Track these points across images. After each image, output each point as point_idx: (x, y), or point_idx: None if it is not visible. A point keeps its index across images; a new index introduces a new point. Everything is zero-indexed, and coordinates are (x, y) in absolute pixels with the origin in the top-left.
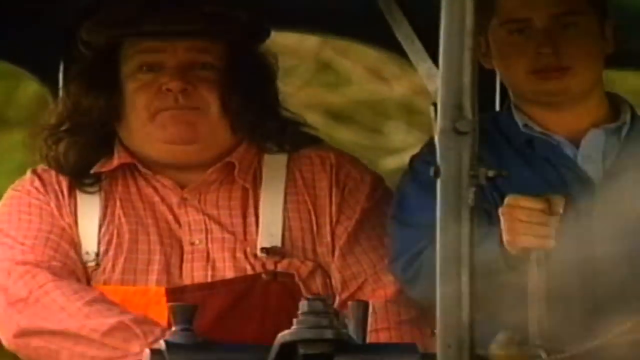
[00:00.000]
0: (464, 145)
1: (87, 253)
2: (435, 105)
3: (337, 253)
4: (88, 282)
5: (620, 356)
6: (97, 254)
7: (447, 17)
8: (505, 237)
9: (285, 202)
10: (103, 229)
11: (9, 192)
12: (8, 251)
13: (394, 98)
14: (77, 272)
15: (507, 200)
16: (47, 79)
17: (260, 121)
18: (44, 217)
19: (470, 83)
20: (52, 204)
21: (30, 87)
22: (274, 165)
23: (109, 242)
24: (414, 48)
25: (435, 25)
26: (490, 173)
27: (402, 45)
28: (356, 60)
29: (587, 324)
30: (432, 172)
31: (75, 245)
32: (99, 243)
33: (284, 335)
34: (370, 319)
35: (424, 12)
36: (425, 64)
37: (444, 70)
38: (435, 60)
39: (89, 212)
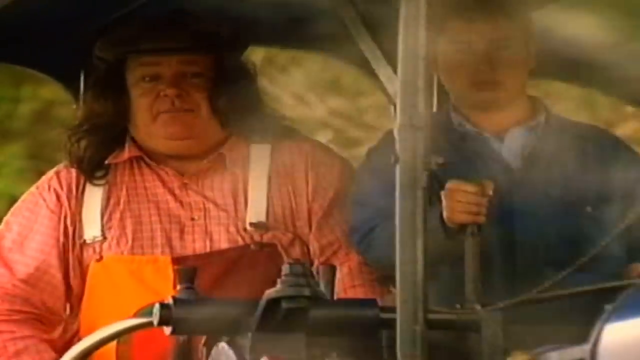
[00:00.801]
0: (419, 138)
1: (90, 235)
2: (394, 105)
3: (314, 226)
4: (81, 262)
5: (540, 307)
6: (103, 233)
7: (405, 33)
8: (445, 215)
9: (269, 184)
10: (107, 212)
11: (30, 190)
12: None
13: (315, 119)
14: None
15: (447, 185)
16: (71, 86)
17: (245, 118)
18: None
19: (423, 86)
20: (65, 199)
21: (30, 104)
22: (259, 154)
23: (114, 222)
24: (376, 59)
25: (394, 39)
26: (440, 160)
27: (367, 57)
28: (284, 87)
29: (510, 284)
30: (384, 163)
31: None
32: (102, 224)
33: (269, 293)
34: (346, 278)
35: (385, 29)
36: (386, 71)
37: (402, 76)
38: (394, 68)
39: (94, 200)
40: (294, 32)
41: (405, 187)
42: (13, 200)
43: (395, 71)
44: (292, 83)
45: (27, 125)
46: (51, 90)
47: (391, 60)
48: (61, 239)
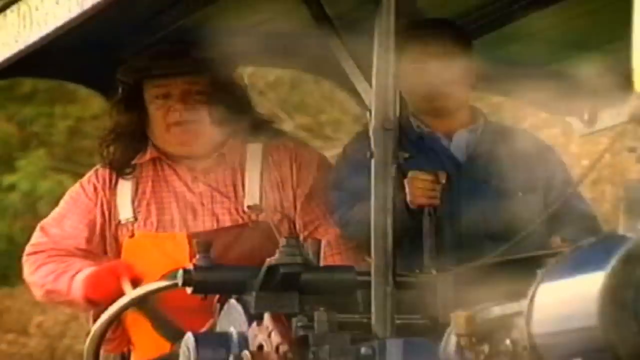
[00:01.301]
0: (389, 137)
1: (124, 217)
2: (370, 111)
3: (299, 207)
4: (117, 238)
5: (485, 272)
6: (134, 215)
7: (378, 57)
8: (408, 198)
9: (261, 175)
10: (135, 200)
11: (76, 184)
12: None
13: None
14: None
15: (409, 174)
16: (109, 100)
17: (240, 123)
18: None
19: (392, 97)
20: (101, 189)
21: (62, 120)
22: (253, 152)
23: (142, 208)
24: (355, 76)
25: (369, 60)
26: (405, 155)
27: (348, 74)
28: (261, 107)
29: (459, 254)
30: (357, 157)
31: (107, 220)
32: (133, 209)
33: (269, 261)
34: (327, 249)
35: (362, 52)
36: (362, 84)
37: (375, 89)
38: (369, 83)
39: (125, 190)
40: (281, 54)
41: (379, 176)
42: (33, 192)
43: (370, 85)
44: (268, 103)
45: (59, 135)
46: (78, 109)
47: (367, 77)
48: (98, 220)
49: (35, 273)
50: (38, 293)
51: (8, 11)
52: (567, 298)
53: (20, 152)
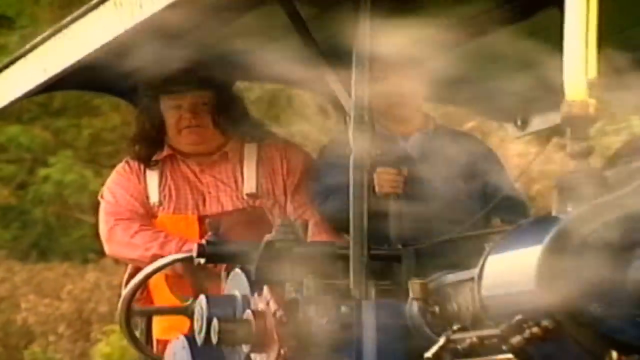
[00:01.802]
0: (365, 138)
1: (153, 200)
2: (349, 116)
3: (288, 195)
4: (153, 216)
5: (442, 247)
6: (159, 200)
7: (357, 73)
8: (377, 188)
9: (257, 170)
10: (160, 188)
11: (115, 169)
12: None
13: None
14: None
15: (377, 170)
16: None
17: (238, 127)
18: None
19: (367, 104)
20: (131, 179)
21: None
22: (250, 151)
23: (165, 195)
24: (337, 87)
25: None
26: (377, 152)
27: (331, 86)
28: None
29: (418, 233)
30: (335, 155)
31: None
32: (159, 195)
33: (268, 237)
34: (314, 228)
35: (343, 68)
36: (344, 95)
37: (354, 99)
38: (349, 93)
39: (152, 179)
40: (272, 71)
41: (356, 170)
42: (62, 182)
43: (350, 95)
44: None
45: (83, 141)
46: (99, 121)
47: (347, 88)
48: (136, 197)
49: (136, 237)
50: (137, 254)
51: (65, 31)
52: (510, 267)
53: (52, 153)
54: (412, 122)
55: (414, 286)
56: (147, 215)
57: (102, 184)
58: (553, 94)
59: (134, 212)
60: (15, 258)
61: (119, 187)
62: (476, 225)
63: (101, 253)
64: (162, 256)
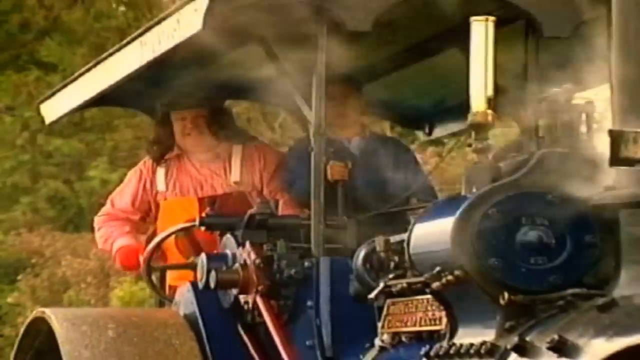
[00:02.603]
0: (322, 140)
1: (159, 189)
2: (310, 124)
3: (264, 182)
4: (155, 201)
5: (376, 219)
6: (166, 187)
7: (317, 91)
8: (329, 177)
9: (241, 164)
10: (167, 180)
11: (134, 168)
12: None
13: None
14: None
15: (330, 163)
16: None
17: (227, 133)
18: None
19: (323, 117)
20: (146, 172)
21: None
22: (236, 150)
23: (169, 184)
24: (301, 102)
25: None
26: (330, 150)
27: (296, 102)
28: None
29: (358, 209)
30: (300, 152)
31: (149, 191)
32: (165, 185)
33: (250, 211)
34: (283, 206)
35: (306, 87)
36: (306, 107)
37: (314, 110)
38: (310, 107)
39: (161, 172)
40: (248, 91)
41: (316, 163)
42: (105, 180)
43: (311, 110)
44: None
45: (107, 150)
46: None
47: (309, 104)
48: (141, 190)
49: (97, 232)
50: (99, 246)
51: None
52: (432, 232)
53: (87, 159)
54: (353, 129)
55: (379, 241)
56: (130, 209)
57: (120, 180)
58: (450, 112)
59: (116, 209)
60: (57, 230)
61: (119, 196)
62: (399, 204)
63: None
64: (105, 250)
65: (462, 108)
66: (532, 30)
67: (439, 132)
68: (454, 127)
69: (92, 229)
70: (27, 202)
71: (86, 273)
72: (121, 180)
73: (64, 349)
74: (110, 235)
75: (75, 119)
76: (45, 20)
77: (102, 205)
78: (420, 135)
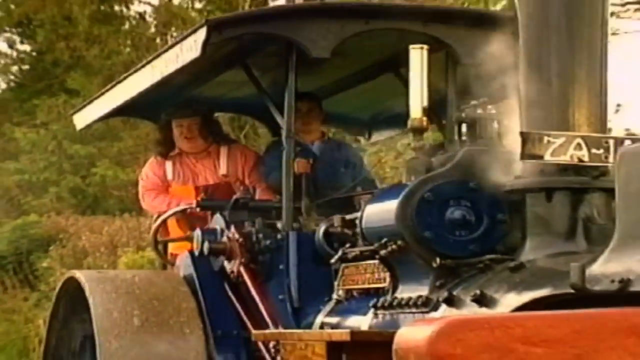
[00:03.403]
0: (290, 142)
1: (169, 178)
2: (282, 129)
3: (246, 174)
4: (168, 186)
5: (332, 203)
6: (173, 177)
7: (287, 102)
8: (296, 170)
9: (227, 161)
10: (174, 171)
11: (149, 161)
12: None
13: None
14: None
15: (296, 159)
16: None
17: (215, 137)
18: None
19: (292, 124)
20: (157, 166)
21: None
22: (223, 150)
23: (175, 175)
24: (276, 114)
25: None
26: (298, 149)
27: (272, 113)
28: None
29: (318, 196)
30: (274, 151)
31: (164, 178)
32: (173, 174)
33: (235, 196)
34: (261, 193)
35: (280, 102)
36: (280, 116)
37: (286, 118)
38: (282, 114)
39: (169, 166)
40: (234, 106)
41: (286, 159)
42: (117, 178)
43: (283, 118)
44: None
45: (113, 153)
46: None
47: (282, 114)
48: (161, 176)
49: (154, 201)
50: (154, 209)
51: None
52: (380, 211)
53: (97, 160)
54: (315, 135)
55: (337, 219)
56: (163, 187)
57: (126, 177)
58: (384, 122)
59: (155, 186)
60: (78, 213)
61: (149, 171)
62: (348, 191)
63: (123, 210)
64: (165, 210)
65: (393, 120)
66: (452, 58)
67: (375, 137)
68: (387, 134)
69: (104, 213)
70: (54, 192)
71: (100, 245)
72: (121, 177)
73: (90, 299)
74: (163, 201)
75: (90, 130)
76: (70, 58)
77: (111, 195)
78: (362, 140)
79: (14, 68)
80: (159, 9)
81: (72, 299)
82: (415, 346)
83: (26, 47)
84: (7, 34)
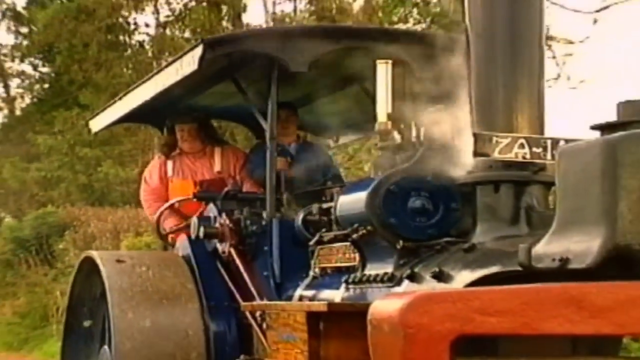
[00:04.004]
0: (273, 143)
1: (169, 175)
2: (267, 132)
3: (236, 171)
4: (169, 182)
5: (308, 195)
6: (173, 174)
7: (270, 112)
8: (277, 168)
9: (221, 160)
10: (174, 168)
11: (152, 161)
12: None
13: None
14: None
15: (277, 158)
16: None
17: (210, 140)
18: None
19: (274, 129)
20: (160, 165)
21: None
22: (217, 151)
23: (175, 172)
24: (261, 120)
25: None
26: (278, 149)
27: (258, 119)
28: None
29: (294, 190)
30: (259, 150)
31: (164, 176)
32: (173, 171)
33: (226, 189)
34: (248, 185)
35: (264, 110)
36: (264, 122)
37: (269, 124)
38: (266, 120)
39: (170, 164)
40: (226, 113)
41: (270, 158)
42: (118, 175)
43: (267, 122)
44: None
45: (118, 154)
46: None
47: (266, 120)
48: (162, 175)
49: (147, 210)
50: (148, 212)
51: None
52: (352, 201)
53: (103, 161)
54: (292, 137)
55: (314, 207)
56: (162, 188)
57: (126, 175)
58: (349, 127)
59: (154, 191)
60: (88, 205)
61: (152, 171)
62: (320, 185)
63: (124, 203)
64: (157, 215)
65: (357, 125)
66: (408, 71)
67: (342, 140)
68: (352, 137)
69: (109, 204)
70: (64, 187)
71: (105, 231)
72: (122, 174)
73: (106, 277)
74: (154, 210)
75: (97, 136)
76: (82, 78)
77: (114, 189)
78: (331, 142)
79: (37, 86)
80: (155, 38)
81: (88, 274)
82: (389, 316)
83: (46, 69)
84: (31, 59)
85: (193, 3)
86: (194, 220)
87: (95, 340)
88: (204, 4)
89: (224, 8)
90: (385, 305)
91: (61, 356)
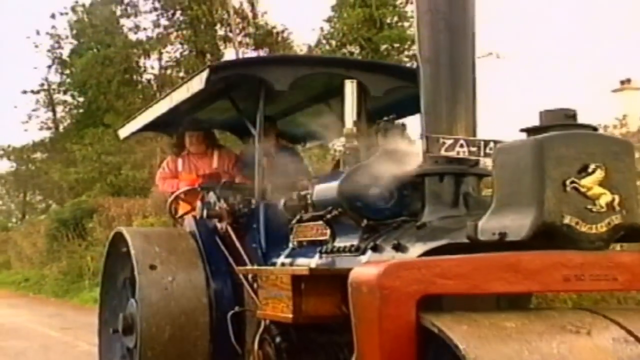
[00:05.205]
0: (260, 147)
1: (180, 169)
2: (254, 137)
3: (230, 168)
4: (178, 174)
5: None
6: (183, 169)
7: (259, 122)
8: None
9: (219, 159)
10: (183, 165)
11: (166, 159)
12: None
13: None
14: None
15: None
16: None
17: (211, 144)
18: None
19: (261, 135)
20: (172, 162)
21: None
22: (216, 152)
23: (184, 167)
24: (252, 128)
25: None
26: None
27: (247, 129)
28: None
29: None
30: (250, 150)
31: (175, 170)
32: (182, 167)
33: (224, 181)
34: (240, 178)
35: (253, 120)
36: (254, 129)
37: (257, 131)
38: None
39: (179, 163)
40: (222, 124)
41: (259, 158)
42: (135, 178)
43: (256, 129)
44: None
45: (130, 161)
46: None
47: (254, 128)
48: (172, 169)
49: (163, 185)
50: (165, 189)
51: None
52: (326, 189)
53: (122, 166)
54: (272, 142)
55: (295, 194)
56: (172, 176)
57: (139, 176)
58: (314, 134)
59: (167, 175)
60: (110, 196)
61: (166, 165)
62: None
63: (136, 194)
64: (172, 190)
65: (321, 133)
66: (365, 91)
67: (308, 145)
68: (317, 142)
69: (125, 195)
70: (98, 186)
71: (121, 215)
72: (137, 176)
73: (132, 246)
74: (170, 185)
75: (117, 147)
76: (107, 106)
77: (129, 186)
78: (299, 147)
79: (74, 111)
80: (158, 77)
81: (120, 247)
82: (367, 280)
83: (81, 99)
84: (72, 92)
85: (186, 52)
86: (199, 204)
87: (124, 293)
88: (194, 53)
89: (208, 56)
90: (363, 271)
91: (100, 300)
